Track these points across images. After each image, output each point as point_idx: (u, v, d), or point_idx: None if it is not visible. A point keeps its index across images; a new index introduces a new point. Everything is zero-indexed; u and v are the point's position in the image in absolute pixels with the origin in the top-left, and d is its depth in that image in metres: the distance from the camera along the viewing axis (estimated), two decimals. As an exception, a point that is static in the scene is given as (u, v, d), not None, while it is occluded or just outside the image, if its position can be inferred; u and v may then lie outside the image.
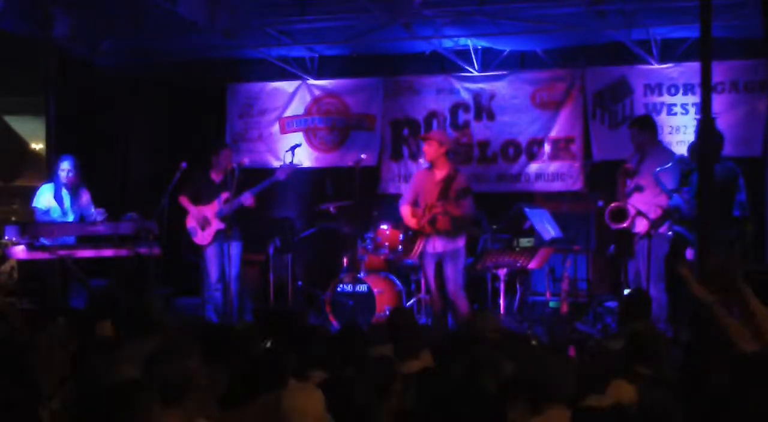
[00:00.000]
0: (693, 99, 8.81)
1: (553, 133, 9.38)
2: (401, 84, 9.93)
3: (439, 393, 3.09)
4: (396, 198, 8.15)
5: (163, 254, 7.76)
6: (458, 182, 7.26)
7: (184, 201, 8.22)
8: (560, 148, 9.36)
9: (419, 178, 7.65)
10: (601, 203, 7.68)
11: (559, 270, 8.39)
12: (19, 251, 7.39)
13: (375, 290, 8.15)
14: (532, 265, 7.56)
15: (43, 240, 7.44)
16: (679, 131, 8.86)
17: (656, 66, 8.93)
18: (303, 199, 9.96)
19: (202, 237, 8.17)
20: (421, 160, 8.63)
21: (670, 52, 8.79)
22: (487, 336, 4.35)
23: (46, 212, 7.88)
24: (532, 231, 8.37)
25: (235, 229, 8.08)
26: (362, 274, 8.32)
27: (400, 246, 7.98)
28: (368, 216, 8.64)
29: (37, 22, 8.57)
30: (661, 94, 9.00)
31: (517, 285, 8.48)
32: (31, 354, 3.81)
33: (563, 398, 3.20)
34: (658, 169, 7.09)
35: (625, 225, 7.21)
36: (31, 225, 7.58)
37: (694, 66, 8.31)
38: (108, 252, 7.65)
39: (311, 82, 10.16)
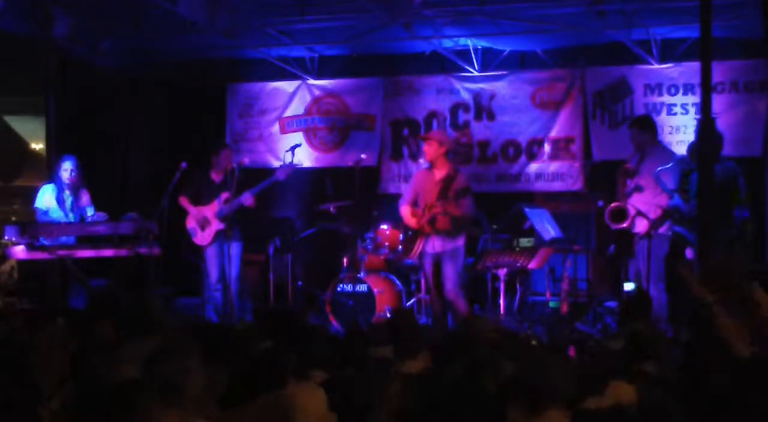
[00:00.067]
0: (693, 99, 8.81)
1: (553, 133, 9.38)
2: (401, 84, 9.93)
3: (438, 393, 3.09)
4: (396, 198, 8.14)
5: (163, 254, 7.76)
6: (458, 182, 7.26)
7: (184, 201, 8.22)
8: (560, 148, 9.36)
9: (419, 178, 7.65)
10: (601, 203, 7.68)
11: (559, 270, 8.40)
12: (19, 251, 7.39)
13: (375, 290, 8.15)
14: (532, 265, 7.56)
15: (43, 240, 7.43)
16: (679, 131, 8.87)
17: (656, 66, 8.93)
18: (303, 199, 9.96)
19: (202, 238, 8.17)
20: (421, 160, 8.63)
21: (670, 52, 8.80)
22: (487, 336, 4.34)
23: (46, 212, 7.88)
24: (532, 231, 8.37)
25: (235, 229, 8.08)
26: (362, 274, 8.32)
27: (400, 246, 7.98)
28: (368, 216, 8.64)
29: (37, 22, 8.57)
30: (661, 94, 9.00)
31: (517, 285, 8.48)
32: (31, 354, 3.80)
33: (563, 399, 3.20)
34: (658, 169, 7.09)
35: (624, 225, 7.21)
36: (31, 225, 7.58)
37: (694, 66, 8.31)
38: (108, 252, 7.64)
39: (311, 82, 10.16)
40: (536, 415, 3.14)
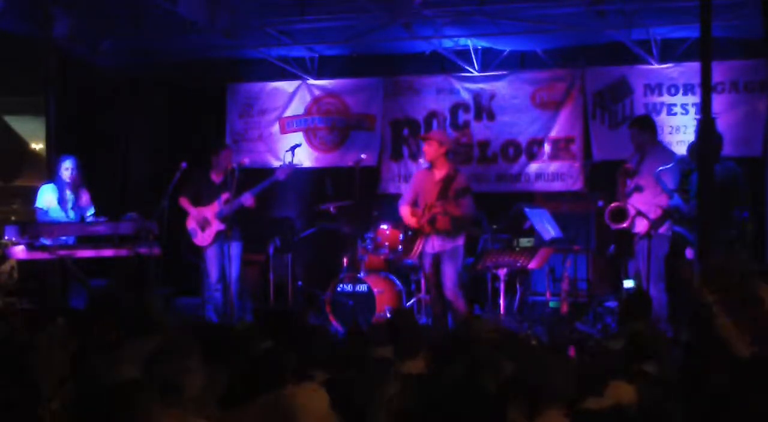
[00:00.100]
0: (693, 99, 8.81)
1: (553, 133, 9.38)
2: (401, 84, 9.93)
3: (438, 393, 3.09)
4: (396, 198, 8.15)
5: (163, 254, 7.76)
6: (458, 182, 7.27)
7: (184, 202, 8.22)
8: (560, 148, 9.36)
9: (419, 178, 7.65)
10: (601, 203, 7.68)
11: (559, 270, 8.40)
12: (19, 251, 7.39)
13: (375, 290, 8.15)
14: (532, 265, 7.56)
15: (43, 240, 7.43)
16: (679, 131, 8.87)
17: (656, 66, 8.93)
18: (303, 198, 9.96)
19: (202, 239, 8.17)
20: (421, 160, 8.63)
21: (670, 52, 8.80)
22: (487, 336, 4.34)
23: (47, 212, 7.88)
24: (532, 231, 8.37)
25: (236, 230, 8.08)
26: (362, 274, 8.32)
27: (400, 246, 7.98)
28: (368, 216, 8.64)
29: (37, 22, 8.57)
30: (661, 94, 9.00)
31: (517, 285, 8.48)
32: (31, 354, 3.80)
33: (563, 399, 3.20)
34: (659, 169, 7.09)
35: (624, 225, 7.21)
36: (31, 225, 7.58)
37: (694, 66, 8.31)
38: (108, 252, 7.65)
39: (311, 82, 10.16)
40: (536, 415, 3.14)
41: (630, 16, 7.90)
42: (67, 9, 8.59)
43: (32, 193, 8.13)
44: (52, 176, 8.04)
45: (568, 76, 9.32)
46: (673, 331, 6.76)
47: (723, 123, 8.06)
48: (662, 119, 8.82)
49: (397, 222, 8.02)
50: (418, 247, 7.35)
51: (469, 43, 9.22)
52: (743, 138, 8.55)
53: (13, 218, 10.87)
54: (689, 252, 7.42)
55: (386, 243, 8.35)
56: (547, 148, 9.41)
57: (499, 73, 9.55)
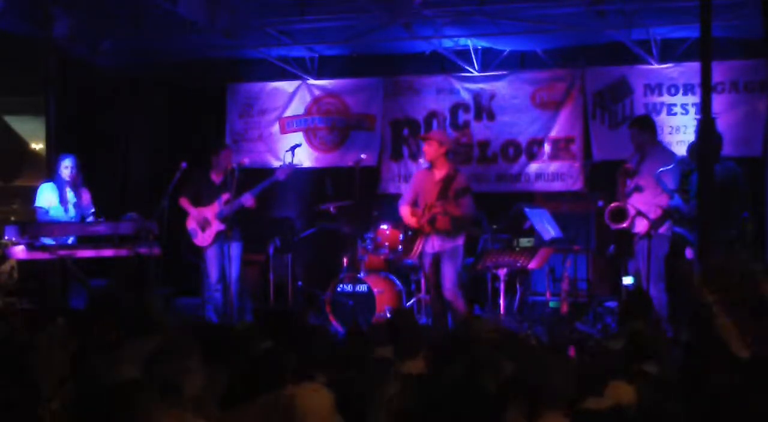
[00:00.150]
0: (693, 99, 8.81)
1: (553, 133, 9.38)
2: (401, 84, 9.93)
3: (438, 393, 3.09)
4: (396, 198, 8.15)
5: (163, 254, 7.75)
6: (458, 182, 7.27)
7: (184, 203, 8.22)
8: (560, 148, 9.36)
9: (419, 178, 7.65)
10: (601, 203, 7.68)
11: (559, 270, 8.40)
12: (19, 251, 7.39)
13: (375, 290, 8.15)
14: (532, 265, 7.55)
15: (43, 240, 7.43)
16: (679, 131, 8.87)
17: (656, 66, 8.93)
18: (303, 198, 9.96)
19: (202, 239, 8.17)
20: (421, 160, 8.63)
21: (670, 52, 8.80)
22: (487, 336, 4.34)
23: (47, 211, 7.87)
24: (532, 231, 8.37)
25: (236, 230, 8.08)
26: (362, 274, 8.32)
27: (400, 246, 7.98)
28: (368, 216, 8.64)
29: (37, 22, 8.57)
30: (661, 94, 9.01)
31: (517, 285, 8.48)
32: (31, 354, 3.80)
33: (563, 399, 3.20)
34: (660, 170, 7.09)
35: (624, 225, 7.21)
36: (31, 225, 7.58)
37: (694, 66, 8.31)
38: (108, 252, 7.64)
39: (311, 82, 10.16)
40: (536, 416, 3.14)
41: (630, 16, 7.90)
42: (67, 9, 8.59)
43: (32, 193, 8.13)
44: (53, 175, 8.03)
45: (568, 76, 9.32)
46: (673, 331, 6.76)
47: (723, 123, 8.06)
48: (662, 119, 8.82)
49: (397, 222, 8.02)
50: (418, 247, 7.35)
51: (469, 43, 9.22)
52: (743, 138, 8.55)
53: (12, 218, 10.87)
54: (689, 252, 7.41)
55: (386, 243, 8.35)
56: (547, 148, 9.41)
57: (499, 73, 9.55)
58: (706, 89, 5.37)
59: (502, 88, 9.56)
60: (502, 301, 7.63)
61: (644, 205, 7.15)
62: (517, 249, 8.22)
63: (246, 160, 8.29)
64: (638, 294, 6.03)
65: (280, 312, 7.97)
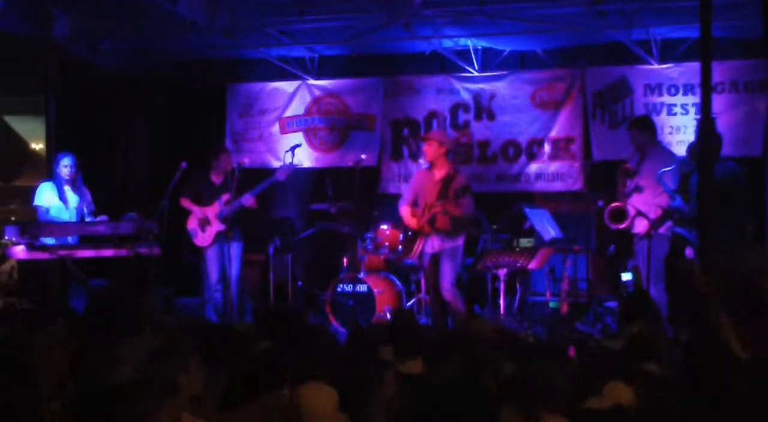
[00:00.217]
0: (693, 99, 8.81)
1: (553, 133, 9.38)
2: (401, 84, 9.93)
3: (438, 393, 3.09)
4: (396, 198, 8.15)
5: (163, 254, 7.75)
6: (457, 182, 7.27)
7: (186, 202, 8.22)
8: (560, 148, 9.36)
9: (419, 178, 7.65)
10: (601, 203, 7.68)
11: (559, 270, 8.39)
12: (19, 251, 7.38)
13: (375, 290, 8.15)
14: (532, 265, 7.55)
15: (43, 240, 7.43)
16: (679, 131, 8.87)
17: (656, 66, 8.93)
18: (303, 199, 9.96)
19: (202, 239, 8.17)
20: (421, 160, 8.63)
21: (670, 52, 8.80)
22: (487, 336, 4.34)
23: (48, 211, 7.87)
24: (532, 232, 8.37)
25: (236, 230, 8.09)
26: (362, 274, 8.32)
27: (400, 246, 7.98)
28: (368, 216, 8.64)
29: (37, 22, 8.57)
30: (661, 94, 9.00)
31: (517, 285, 8.48)
32: (31, 354, 3.80)
33: (562, 399, 3.20)
34: (661, 170, 7.09)
35: (623, 225, 7.21)
36: (31, 225, 7.57)
37: (694, 66, 8.31)
38: (108, 252, 7.64)
39: (311, 82, 10.16)
40: (536, 416, 3.14)
41: (630, 16, 7.90)
42: (67, 9, 8.59)
43: (32, 193, 8.12)
44: (52, 174, 8.03)
45: (568, 76, 9.32)
46: (673, 331, 6.76)
47: (723, 123, 8.06)
48: (662, 119, 8.82)
49: (397, 222, 8.02)
50: (418, 247, 7.35)
51: (469, 43, 9.22)
52: (743, 138, 8.55)
53: (12, 218, 10.88)
54: (689, 252, 7.41)
55: (386, 244, 8.35)
56: (547, 148, 9.41)
57: (499, 73, 9.55)
58: (706, 89, 5.37)
59: (502, 88, 9.55)
60: (502, 301, 7.63)
61: (644, 205, 7.15)
62: (517, 249, 8.22)
63: (246, 160, 8.30)
64: (638, 294, 6.03)
65: (280, 312, 7.97)
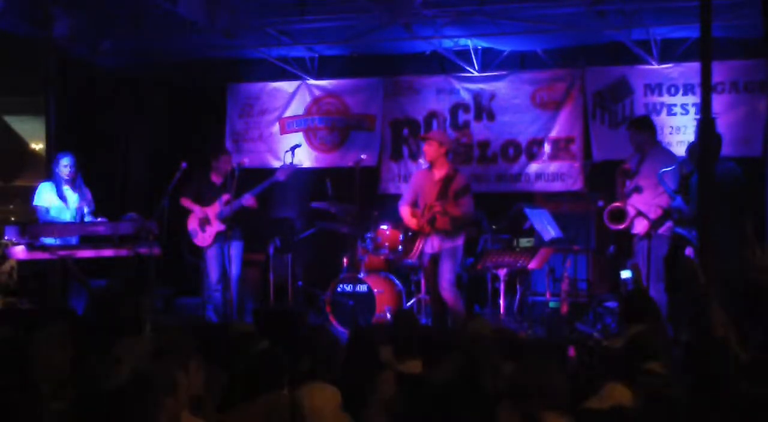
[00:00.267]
0: (693, 99, 8.81)
1: (553, 133, 9.38)
2: (401, 84, 9.93)
3: (437, 393, 3.09)
4: (396, 198, 8.14)
5: (163, 254, 7.75)
6: (457, 182, 7.27)
7: (186, 202, 8.23)
8: (560, 148, 9.36)
9: (418, 178, 7.65)
10: (601, 203, 7.68)
11: (559, 271, 8.39)
12: (19, 251, 7.38)
13: (375, 290, 8.15)
14: (532, 265, 7.56)
15: (43, 240, 7.43)
16: (679, 131, 8.86)
17: (656, 66, 8.93)
18: (303, 199, 9.95)
19: (202, 239, 8.17)
20: (421, 160, 8.62)
21: (670, 52, 8.79)
22: (487, 336, 4.34)
23: (48, 210, 7.87)
24: (532, 231, 8.37)
25: (236, 230, 8.09)
26: (362, 274, 8.32)
27: (400, 247, 7.97)
28: (368, 216, 8.64)
29: (37, 22, 8.57)
30: (661, 94, 9.00)
31: (517, 285, 8.48)
32: (31, 354, 3.80)
33: (561, 399, 3.20)
34: (662, 171, 7.09)
35: (623, 226, 7.20)
36: (31, 226, 7.57)
37: (694, 66, 8.31)
38: (108, 252, 7.64)
39: (311, 82, 10.16)
40: (535, 415, 3.14)
41: (630, 16, 7.90)
42: (67, 9, 8.58)
43: (32, 193, 8.12)
44: (51, 174, 8.02)
45: (568, 76, 9.32)
46: (673, 331, 6.76)
47: (723, 123, 8.05)
48: (662, 119, 8.82)
49: (397, 222, 8.01)
50: (418, 248, 7.35)
51: (469, 43, 9.22)
52: (743, 138, 8.55)
53: (12, 218, 10.88)
54: (689, 251, 7.40)
55: (386, 244, 8.34)
56: (547, 148, 9.41)
57: (499, 73, 9.54)
58: (706, 89, 5.37)
59: (502, 88, 9.55)
60: (502, 301, 7.63)
61: (644, 205, 7.15)
62: (517, 249, 8.21)
63: (246, 160, 8.29)
64: (638, 294, 6.02)
65: (280, 312, 7.97)
